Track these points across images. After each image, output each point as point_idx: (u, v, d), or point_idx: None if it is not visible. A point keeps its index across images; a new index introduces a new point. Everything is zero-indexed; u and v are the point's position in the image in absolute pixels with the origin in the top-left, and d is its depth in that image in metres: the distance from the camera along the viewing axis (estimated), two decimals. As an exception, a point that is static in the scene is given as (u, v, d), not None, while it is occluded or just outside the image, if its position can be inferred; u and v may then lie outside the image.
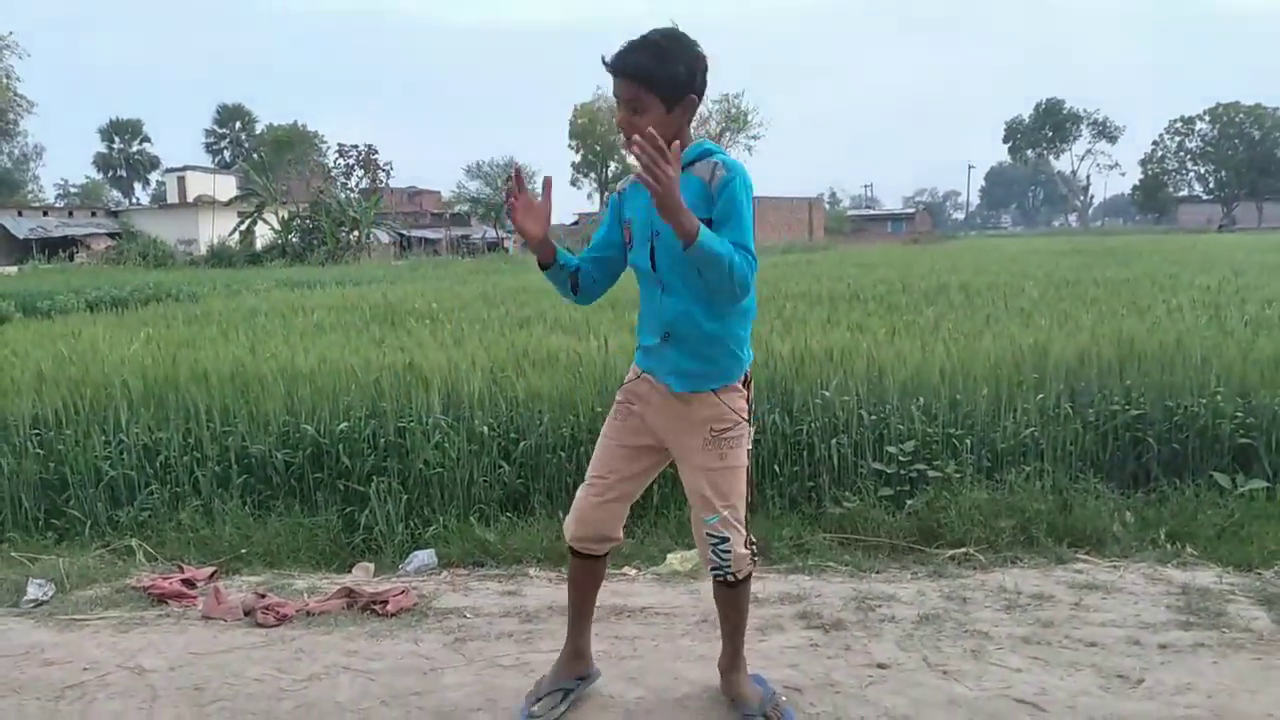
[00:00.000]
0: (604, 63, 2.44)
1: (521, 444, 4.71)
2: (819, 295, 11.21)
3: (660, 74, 2.37)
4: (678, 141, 2.25)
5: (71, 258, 40.61)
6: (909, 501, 4.29)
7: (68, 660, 3.18)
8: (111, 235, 45.50)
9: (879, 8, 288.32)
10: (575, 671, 2.84)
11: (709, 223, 2.33)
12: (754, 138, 61.36)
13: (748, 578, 2.66)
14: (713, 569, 2.61)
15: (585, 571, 2.80)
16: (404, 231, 50.79)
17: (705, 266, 2.27)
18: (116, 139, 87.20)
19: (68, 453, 4.81)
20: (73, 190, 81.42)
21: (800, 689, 2.80)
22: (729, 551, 2.56)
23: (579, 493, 2.74)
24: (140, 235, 42.97)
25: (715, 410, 2.55)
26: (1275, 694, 2.69)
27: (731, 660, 2.75)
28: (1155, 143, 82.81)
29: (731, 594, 2.67)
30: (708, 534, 2.57)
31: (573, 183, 63.90)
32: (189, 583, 3.88)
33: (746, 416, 2.60)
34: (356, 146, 49.20)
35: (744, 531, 2.58)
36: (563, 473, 4.60)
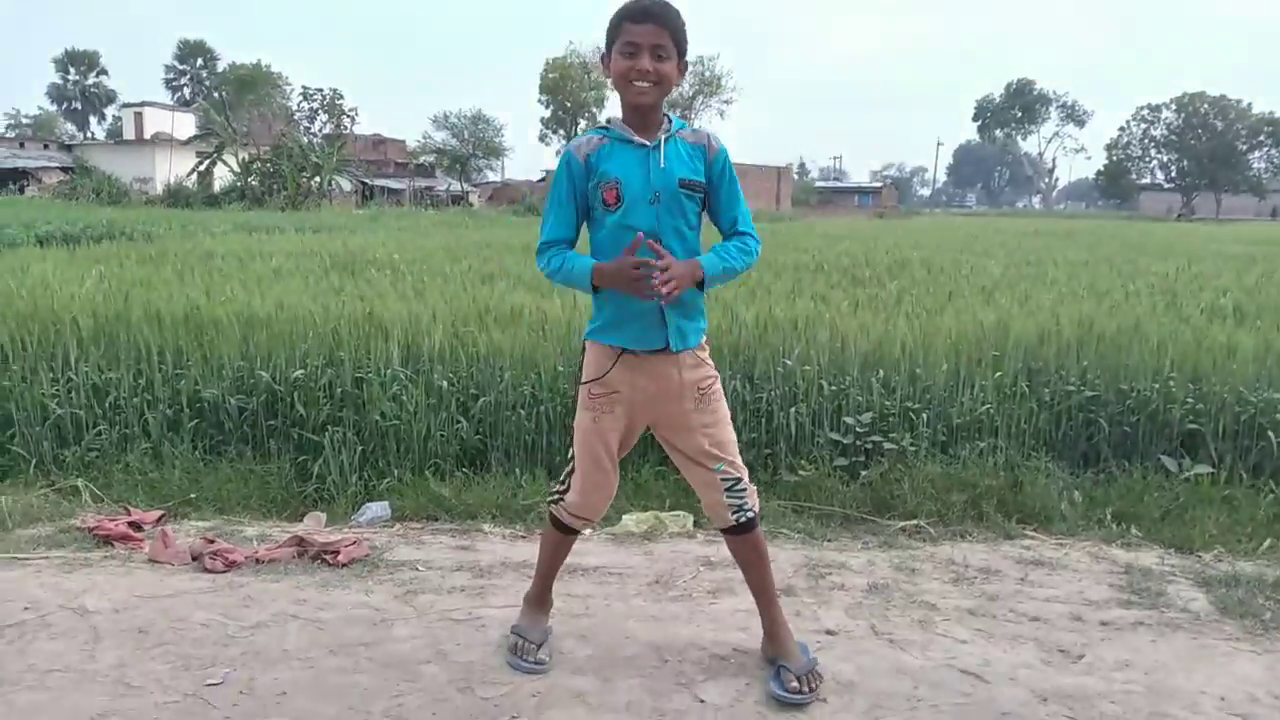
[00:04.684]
0: (632, 9, 2.43)
1: (481, 400, 4.68)
2: (784, 265, 11.24)
3: (683, 30, 2.50)
4: (640, 234, 2.43)
5: (22, 190, 39.46)
6: (864, 472, 4.33)
7: (8, 599, 3.12)
8: (64, 169, 44.22)
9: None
10: (547, 619, 2.94)
11: (704, 185, 2.55)
12: (726, 102, 60.96)
13: (758, 520, 2.73)
14: (732, 514, 2.66)
15: (568, 542, 2.92)
16: (367, 180, 49.93)
17: (725, 281, 2.64)
18: (72, 70, 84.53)
19: (13, 389, 4.70)
20: (25, 121, 78.84)
21: (749, 653, 2.82)
22: (743, 489, 2.67)
23: (584, 485, 2.72)
24: (94, 171, 41.75)
25: (698, 371, 2.63)
26: (1209, 673, 2.76)
27: (772, 619, 2.75)
28: (1121, 129, 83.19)
29: (753, 539, 2.71)
30: (721, 479, 2.65)
31: (541, 138, 62.87)
32: (136, 525, 3.82)
33: (715, 369, 2.71)
34: (321, 90, 48.12)
35: (745, 470, 2.71)
36: (521, 430, 4.58)
